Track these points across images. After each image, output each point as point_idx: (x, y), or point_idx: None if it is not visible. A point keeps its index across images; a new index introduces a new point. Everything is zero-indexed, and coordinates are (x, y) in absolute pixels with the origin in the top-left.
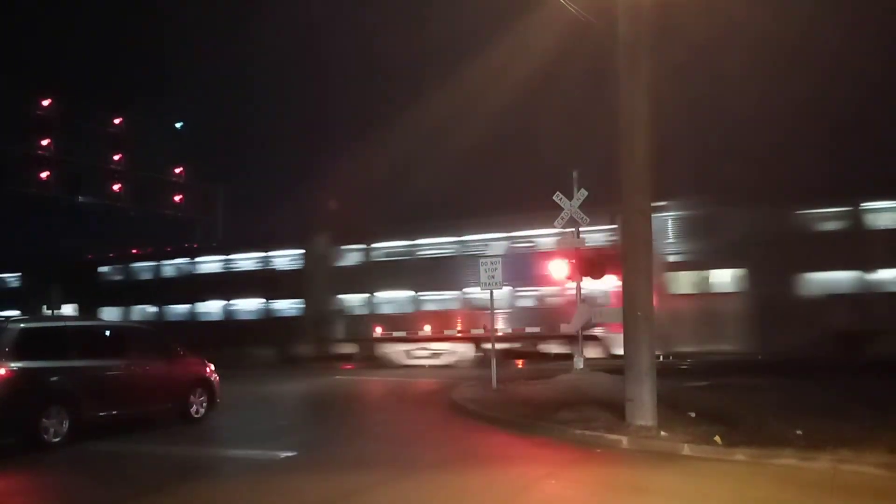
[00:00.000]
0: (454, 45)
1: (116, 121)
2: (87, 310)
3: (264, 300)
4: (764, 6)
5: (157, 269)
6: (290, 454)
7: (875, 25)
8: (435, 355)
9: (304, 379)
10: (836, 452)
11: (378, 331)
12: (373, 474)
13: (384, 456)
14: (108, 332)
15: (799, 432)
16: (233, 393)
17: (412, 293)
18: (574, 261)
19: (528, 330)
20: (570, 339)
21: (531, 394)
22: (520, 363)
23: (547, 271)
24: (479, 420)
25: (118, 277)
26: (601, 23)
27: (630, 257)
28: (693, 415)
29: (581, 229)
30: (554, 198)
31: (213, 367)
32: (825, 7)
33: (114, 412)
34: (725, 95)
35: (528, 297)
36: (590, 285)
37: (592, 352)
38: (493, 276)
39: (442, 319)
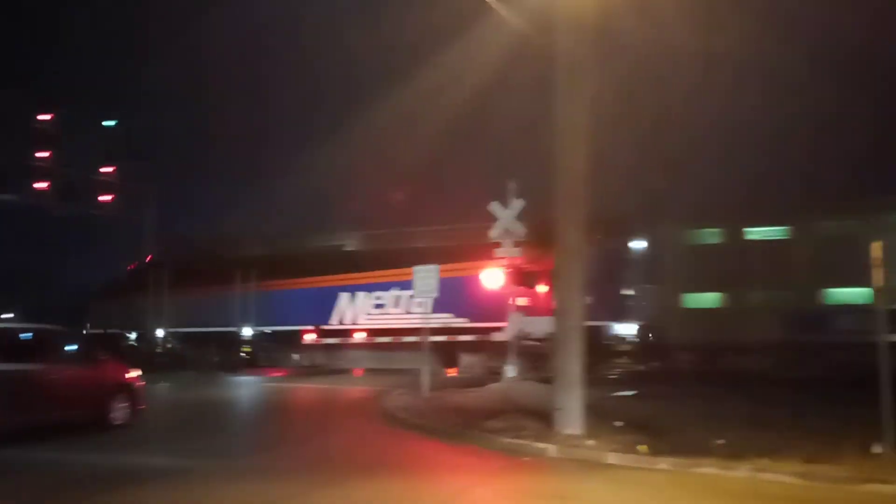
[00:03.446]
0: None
1: (45, 117)
2: None
3: None
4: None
5: None
6: (211, 462)
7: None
8: None
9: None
10: (756, 461)
11: None
12: (296, 483)
13: (309, 464)
14: (20, 336)
15: (721, 442)
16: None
17: None
18: (509, 271)
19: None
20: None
21: (462, 402)
22: (451, 371)
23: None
24: (408, 428)
25: None
26: (542, 36)
27: (563, 270)
28: (620, 424)
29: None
30: (489, 208)
31: (137, 373)
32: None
33: (25, 418)
34: (664, 111)
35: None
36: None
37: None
38: (428, 285)
39: None
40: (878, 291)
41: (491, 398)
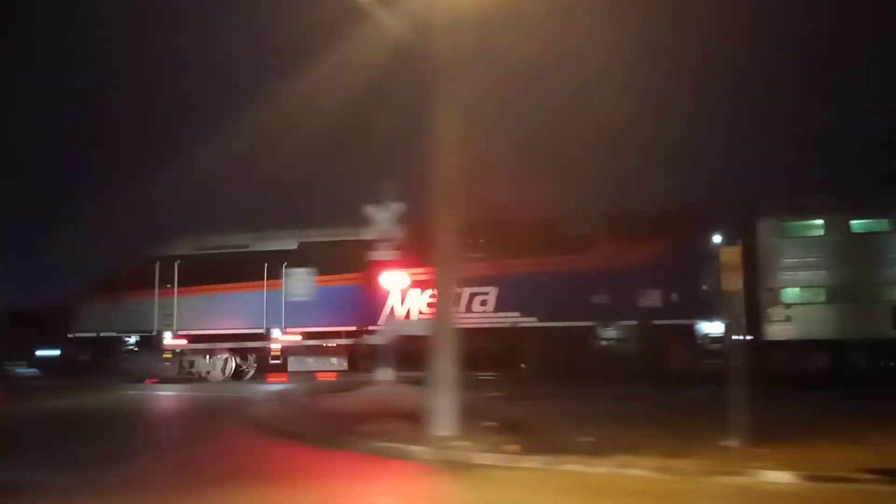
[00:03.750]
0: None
1: None
2: None
3: None
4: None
5: None
6: (62, 475)
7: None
8: None
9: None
10: (618, 458)
11: None
12: (158, 494)
13: (173, 474)
14: None
15: (589, 439)
16: None
17: None
18: (385, 271)
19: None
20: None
21: (335, 407)
22: (325, 376)
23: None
24: (279, 435)
25: None
26: (419, 39)
27: (439, 273)
28: (493, 425)
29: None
30: (364, 210)
31: None
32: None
33: None
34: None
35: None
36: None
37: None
38: (303, 287)
39: None
40: (729, 294)
41: (365, 402)
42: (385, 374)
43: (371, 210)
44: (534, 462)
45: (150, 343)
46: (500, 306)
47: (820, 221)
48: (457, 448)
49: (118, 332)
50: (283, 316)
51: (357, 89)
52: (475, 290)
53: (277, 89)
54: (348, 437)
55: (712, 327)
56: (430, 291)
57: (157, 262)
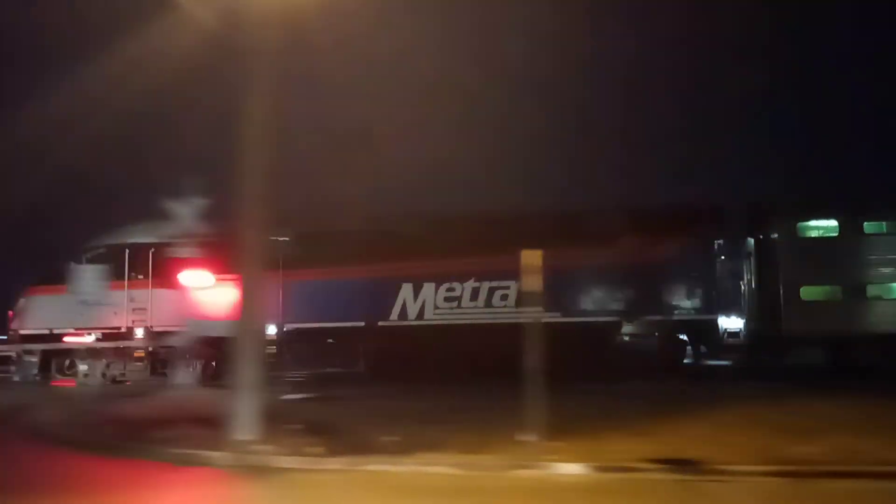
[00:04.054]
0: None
1: None
2: None
3: None
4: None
5: None
6: None
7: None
8: None
9: None
10: (420, 455)
11: None
12: None
13: None
14: None
15: (394, 438)
16: None
17: None
18: (187, 270)
19: None
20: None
21: (127, 412)
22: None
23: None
24: (56, 443)
25: None
26: (230, 31)
27: (245, 271)
28: (298, 427)
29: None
30: (165, 205)
31: None
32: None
33: None
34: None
35: None
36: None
37: None
38: (92, 287)
39: None
40: (527, 295)
41: (162, 406)
42: (185, 377)
43: (173, 205)
44: (337, 463)
45: None
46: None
47: (834, 223)
48: (258, 452)
49: None
50: (72, 317)
51: (164, 80)
52: (495, 284)
53: (80, 72)
54: (139, 444)
55: (730, 323)
56: (235, 291)
57: None
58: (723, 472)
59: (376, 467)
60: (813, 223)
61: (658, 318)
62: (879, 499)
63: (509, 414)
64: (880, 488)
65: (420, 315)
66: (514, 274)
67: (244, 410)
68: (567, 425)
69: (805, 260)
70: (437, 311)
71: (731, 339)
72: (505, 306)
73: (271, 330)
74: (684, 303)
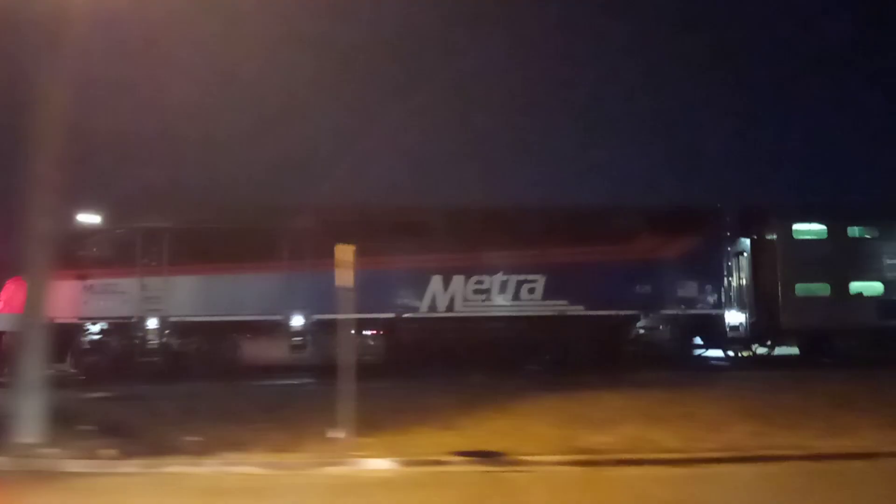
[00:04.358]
0: None
1: None
2: None
3: None
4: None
5: None
6: None
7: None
8: None
9: None
10: (224, 455)
11: None
12: None
13: None
14: None
15: (196, 438)
16: None
17: None
18: None
19: None
20: None
21: None
22: None
23: None
24: None
25: None
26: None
27: (32, 261)
28: (90, 428)
29: None
30: None
31: None
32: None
33: None
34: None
35: None
36: None
37: None
38: None
39: None
40: (343, 290)
41: None
42: None
43: None
44: (132, 466)
45: None
46: (548, 294)
47: (823, 227)
48: (44, 456)
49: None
50: None
51: None
52: (523, 277)
53: None
54: None
55: (734, 317)
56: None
57: None
58: (524, 463)
59: (176, 469)
60: (805, 227)
61: (672, 312)
62: (660, 484)
63: (326, 411)
64: (663, 474)
65: (450, 307)
66: (541, 268)
67: (27, 411)
68: (379, 421)
69: (799, 260)
70: (466, 304)
71: (732, 333)
72: (531, 299)
73: (298, 321)
74: (696, 298)
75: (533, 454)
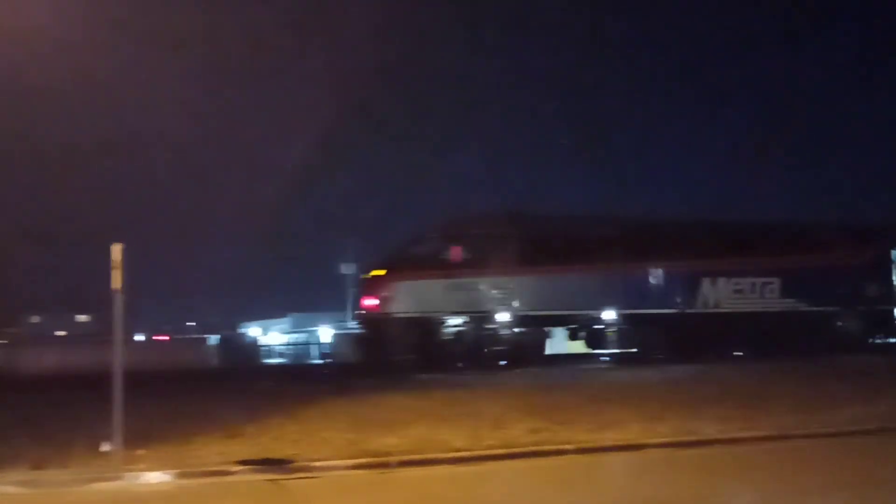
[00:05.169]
0: None
1: None
2: None
3: None
4: None
5: None
6: None
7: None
8: None
9: None
10: None
11: None
12: None
13: None
14: None
15: None
16: None
17: None
18: None
19: None
20: None
21: None
22: None
23: None
24: None
25: None
26: None
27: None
28: None
29: None
30: None
31: None
32: None
33: None
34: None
35: None
36: None
37: None
38: None
39: None
40: (116, 293)
41: None
42: None
43: None
44: None
45: None
46: (784, 293)
47: None
48: None
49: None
50: None
51: None
52: (765, 280)
53: None
54: None
55: None
56: None
57: None
58: (312, 469)
59: None
60: None
61: (861, 308)
62: (444, 483)
63: (93, 421)
64: (449, 473)
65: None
66: (776, 272)
67: None
68: (156, 431)
69: None
70: (729, 301)
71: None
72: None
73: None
74: (876, 297)
75: (321, 459)
